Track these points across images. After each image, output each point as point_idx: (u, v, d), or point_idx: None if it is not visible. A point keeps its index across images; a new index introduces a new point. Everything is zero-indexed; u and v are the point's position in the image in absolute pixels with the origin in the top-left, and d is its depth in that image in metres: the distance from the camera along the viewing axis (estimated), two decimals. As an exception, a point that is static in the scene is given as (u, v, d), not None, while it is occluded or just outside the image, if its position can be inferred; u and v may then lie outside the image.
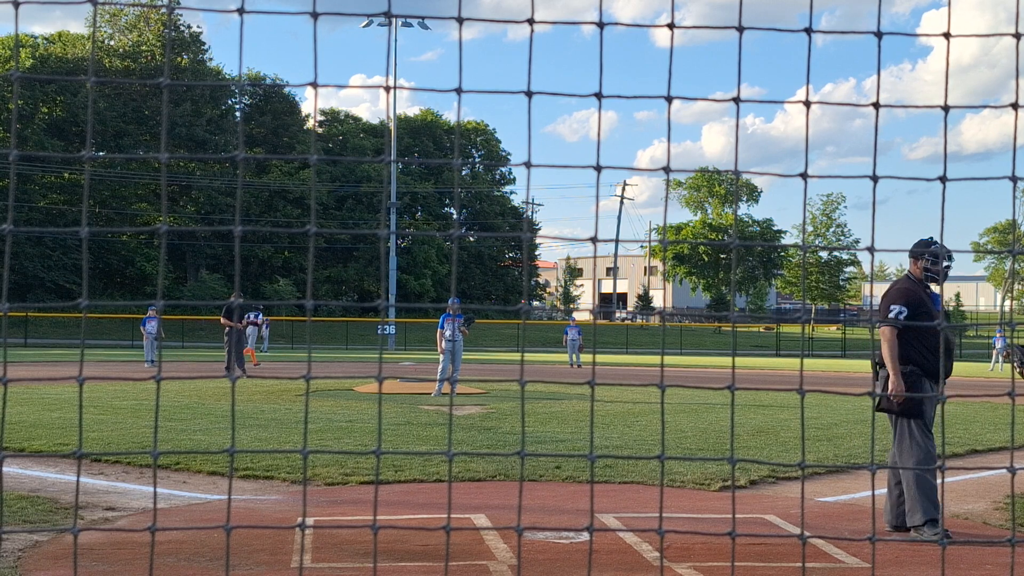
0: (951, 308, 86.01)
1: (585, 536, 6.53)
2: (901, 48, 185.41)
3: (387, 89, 2.32)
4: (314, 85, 2.35)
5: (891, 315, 7.00)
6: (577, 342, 33.34)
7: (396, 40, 55.43)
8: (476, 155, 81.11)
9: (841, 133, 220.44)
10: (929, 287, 7.23)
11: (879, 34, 2.33)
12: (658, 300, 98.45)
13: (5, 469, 8.66)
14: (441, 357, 18.74)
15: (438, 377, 18.76)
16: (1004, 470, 2.33)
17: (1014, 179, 2.43)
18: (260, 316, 36.93)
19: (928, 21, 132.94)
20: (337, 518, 7.39)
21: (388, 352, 43.49)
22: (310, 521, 7.04)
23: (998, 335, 39.17)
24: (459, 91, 2.29)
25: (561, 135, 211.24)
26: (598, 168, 2.34)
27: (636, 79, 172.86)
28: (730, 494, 8.05)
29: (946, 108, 2.31)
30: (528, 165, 2.37)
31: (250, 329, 36.57)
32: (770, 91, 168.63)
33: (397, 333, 53.67)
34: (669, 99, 2.31)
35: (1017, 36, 2.40)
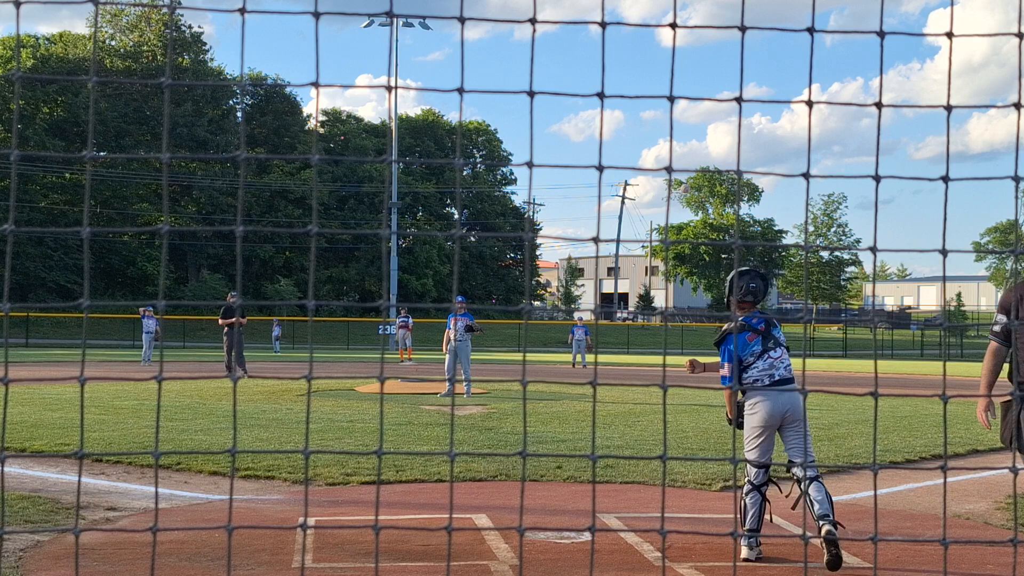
0: (952, 308, 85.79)
1: (586, 536, 6.52)
2: (910, 47, 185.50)
3: (389, 89, 2.32)
4: (316, 85, 2.34)
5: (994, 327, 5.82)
6: (583, 342, 33.42)
7: (398, 40, 55.41)
8: (478, 155, 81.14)
9: (848, 133, 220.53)
10: None
11: (882, 33, 2.32)
12: (659, 300, 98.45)
13: (7, 469, 8.66)
14: (447, 357, 18.77)
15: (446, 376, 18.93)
16: (1006, 470, 2.33)
17: (1016, 179, 2.42)
18: (409, 320, 36.75)
19: (935, 20, 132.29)
20: (338, 518, 7.39)
21: (389, 352, 43.48)
22: (311, 521, 7.03)
23: None
24: (461, 91, 2.28)
25: (567, 135, 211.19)
26: (600, 168, 2.34)
27: (642, 79, 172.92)
28: (731, 494, 8.04)
29: (948, 108, 2.31)
30: (530, 165, 2.37)
31: (401, 332, 36.47)
32: (778, 91, 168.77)
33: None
34: (672, 99, 2.31)
35: (1020, 36, 2.39)
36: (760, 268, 6.65)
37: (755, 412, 6.36)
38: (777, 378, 6.36)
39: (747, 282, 6.55)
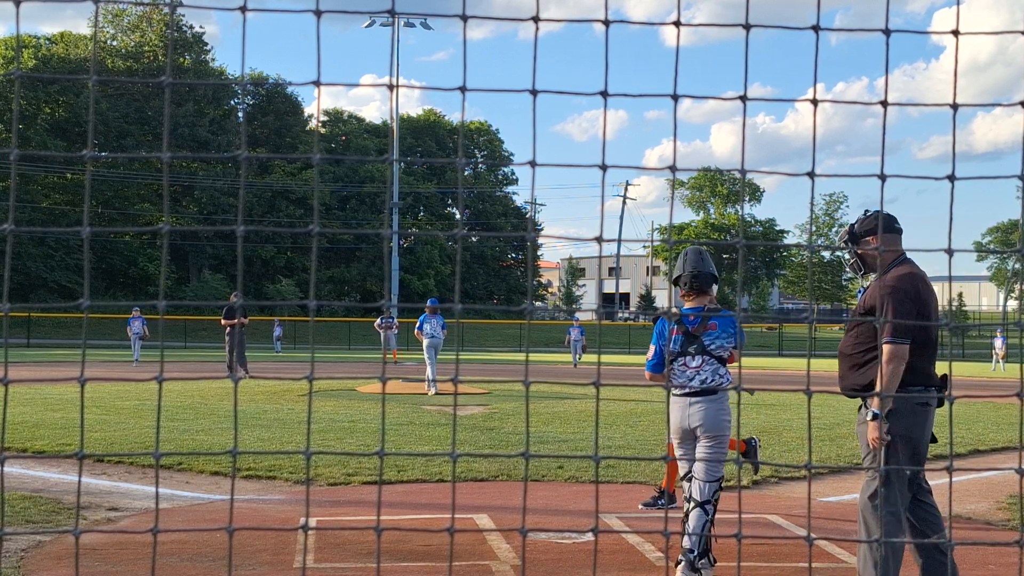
0: (953, 308, 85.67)
1: (588, 536, 6.51)
2: (916, 47, 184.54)
3: (390, 88, 2.30)
4: (317, 84, 2.33)
5: None
6: (580, 342, 33.42)
7: (400, 40, 55.43)
8: (479, 155, 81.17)
9: (852, 132, 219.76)
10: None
11: (887, 31, 2.31)
12: (661, 300, 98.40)
13: (8, 469, 8.65)
14: (429, 355, 19.17)
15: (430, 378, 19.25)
16: (1012, 471, 2.32)
17: (1023, 178, 2.41)
18: (394, 320, 36.51)
19: (940, 19, 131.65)
20: (340, 518, 7.38)
21: (391, 352, 43.49)
22: (313, 521, 7.02)
23: (998, 335, 39.42)
24: (463, 89, 2.27)
25: (570, 134, 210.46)
26: (603, 167, 2.32)
27: (647, 78, 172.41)
28: (732, 495, 8.03)
29: (955, 106, 2.29)
30: (533, 164, 2.36)
31: (388, 333, 36.23)
32: (782, 90, 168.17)
33: (400, 333, 53.63)
34: (675, 97, 2.29)
35: (1025, 34, 2.38)
36: (700, 247, 5.53)
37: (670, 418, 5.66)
38: (688, 390, 5.57)
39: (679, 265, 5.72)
